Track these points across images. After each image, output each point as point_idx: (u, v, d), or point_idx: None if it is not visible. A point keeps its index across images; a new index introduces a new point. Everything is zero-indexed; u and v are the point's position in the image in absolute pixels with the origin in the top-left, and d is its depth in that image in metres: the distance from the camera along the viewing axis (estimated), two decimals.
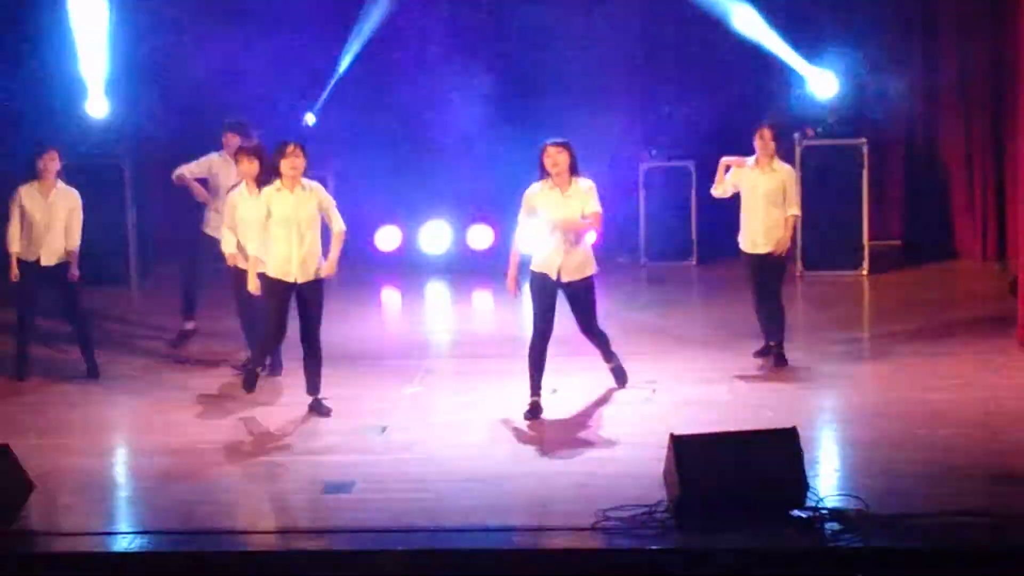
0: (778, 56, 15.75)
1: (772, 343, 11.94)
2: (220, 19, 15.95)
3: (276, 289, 10.82)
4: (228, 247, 11.64)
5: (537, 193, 10.59)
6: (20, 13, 15.60)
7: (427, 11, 16.75)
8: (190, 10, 16.27)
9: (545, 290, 10.65)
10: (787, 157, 15.55)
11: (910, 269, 15.92)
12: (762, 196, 11.80)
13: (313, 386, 10.95)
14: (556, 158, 10.48)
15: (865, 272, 15.62)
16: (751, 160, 11.89)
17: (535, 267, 10.69)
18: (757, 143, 11.86)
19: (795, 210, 11.88)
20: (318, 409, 10.88)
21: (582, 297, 10.76)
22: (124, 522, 8.93)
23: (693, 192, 16.24)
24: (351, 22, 16.30)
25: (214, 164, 12.85)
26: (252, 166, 11.41)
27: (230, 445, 10.25)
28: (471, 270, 16.13)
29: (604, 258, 16.55)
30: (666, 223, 16.52)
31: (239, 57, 15.51)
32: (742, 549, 7.95)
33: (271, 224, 10.72)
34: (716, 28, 15.78)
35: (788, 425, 8.67)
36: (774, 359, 11.87)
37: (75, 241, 12.10)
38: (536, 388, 10.64)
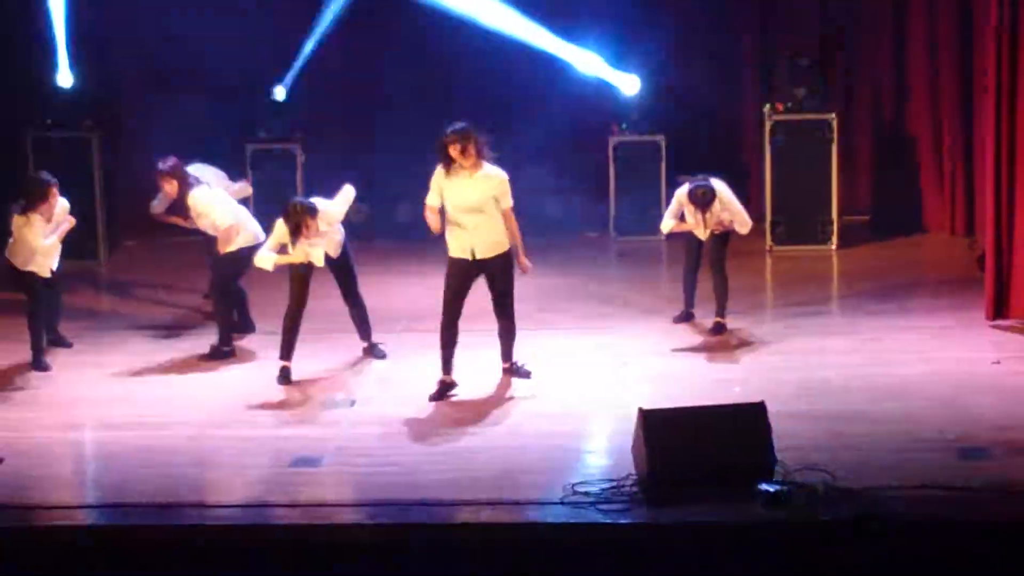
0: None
1: (719, 316, 12.11)
2: None
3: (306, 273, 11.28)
4: None
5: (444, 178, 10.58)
6: None
7: None
8: None
9: (462, 273, 10.62)
10: (756, 132, 15.65)
11: (879, 244, 15.92)
12: (706, 233, 12.10)
13: (365, 333, 11.61)
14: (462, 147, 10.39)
15: (834, 247, 15.63)
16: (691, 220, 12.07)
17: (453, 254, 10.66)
18: (689, 210, 11.97)
19: (744, 230, 12.08)
20: (373, 352, 11.60)
21: (499, 274, 10.62)
22: (90, 495, 8.91)
23: (663, 166, 16.21)
24: None
25: None
26: (172, 187, 12.25)
27: (198, 418, 10.23)
28: (440, 244, 16.06)
29: (573, 232, 16.71)
30: (636, 197, 16.48)
31: (208, 29, 15.38)
32: (710, 523, 7.98)
33: None
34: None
35: (756, 399, 8.70)
36: (715, 327, 12.05)
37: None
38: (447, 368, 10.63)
